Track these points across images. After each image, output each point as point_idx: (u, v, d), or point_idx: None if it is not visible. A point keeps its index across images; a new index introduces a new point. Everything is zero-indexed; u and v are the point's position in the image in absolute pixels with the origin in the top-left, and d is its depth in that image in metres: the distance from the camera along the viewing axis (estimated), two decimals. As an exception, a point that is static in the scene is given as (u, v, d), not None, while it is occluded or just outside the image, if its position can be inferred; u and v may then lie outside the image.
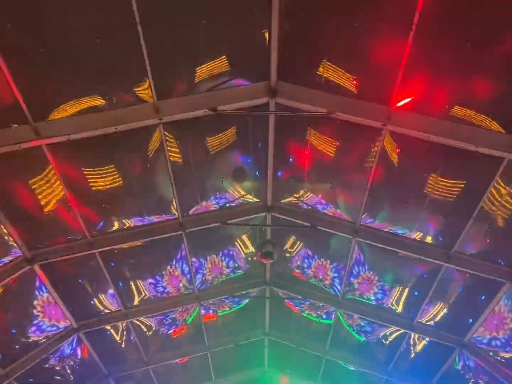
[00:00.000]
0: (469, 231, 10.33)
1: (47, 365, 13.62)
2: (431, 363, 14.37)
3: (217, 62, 8.91)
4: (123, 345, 15.00)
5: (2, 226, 10.09)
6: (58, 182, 9.86)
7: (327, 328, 15.29)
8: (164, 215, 11.60)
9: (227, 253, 13.38)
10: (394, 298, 13.09)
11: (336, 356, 16.21)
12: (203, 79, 9.15)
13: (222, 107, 9.45)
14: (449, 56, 8.08)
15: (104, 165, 10.05)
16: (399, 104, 8.81)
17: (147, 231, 11.66)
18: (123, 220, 11.40)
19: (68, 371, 14.42)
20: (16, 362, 12.55)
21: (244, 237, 13.12)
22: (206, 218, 11.96)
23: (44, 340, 12.86)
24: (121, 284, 12.88)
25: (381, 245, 11.58)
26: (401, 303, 13.13)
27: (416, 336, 13.86)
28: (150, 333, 14.97)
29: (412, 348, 14.43)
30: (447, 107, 8.65)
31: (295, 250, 13.42)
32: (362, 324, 14.57)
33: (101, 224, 11.33)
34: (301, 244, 13.19)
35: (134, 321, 14.19)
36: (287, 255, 13.61)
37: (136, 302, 13.60)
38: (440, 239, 11.11)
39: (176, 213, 11.54)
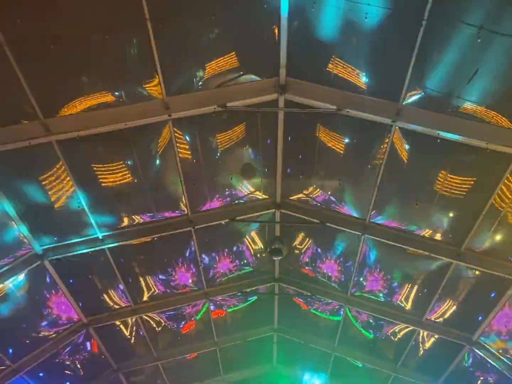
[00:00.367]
0: (479, 228, 10.28)
1: (57, 360, 13.74)
2: (440, 361, 14.32)
3: (227, 59, 8.91)
4: (132, 341, 15.07)
5: (13, 222, 10.17)
6: (68, 178, 9.91)
7: (335, 324, 15.28)
8: (173, 211, 11.63)
9: (236, 249, 13.40)
10: (403, 295, 13.05)
11: (344, 352, 16.20)
12: (213, 75, 9.16)
13: (231, 104, 9.45)
14: (459, 50, 8.03)
15: (113, 161, 10.10)
16: (409, 100, 8.78)
17: (156, 227, 11.70)
18: (133, 216, 11.44)
19: (78, 365, 14.54)
20: (26, 357, 12.70)
21: (253, 233, 13.12)
22: (215, 215, 11.98)
23: (54, 335, 12.98)
24: (130, 280, 12.93)
25: (390, 242, 11.54)
26: (410, 300, 13.09)
27: (425, 333, 13.81)
28: (159, 328, 15.03)
29: (420, 345, 14.38)
30: (457, 103, 8.60)
31: (304, 247, 13.41)
32: (371, 321, 14.54)
33: (111, 220, 11.38)
34: (310, 241, 13.17)
35: (144, 316, 14.26)
36: (296, 252, 13.60)
37: (145, 298, 13.66)
38: (450, 236, 11.06)
39: (186, 210, 11.56)
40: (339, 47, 8.77)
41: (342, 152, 10.38)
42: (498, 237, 10.55)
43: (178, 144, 10.06)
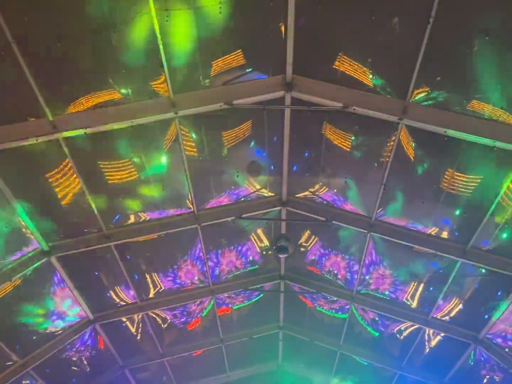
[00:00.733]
0: (485, 227, 10.24)
1: (64, 356, 13.80)
2: (445, 359, 14.30)
3: (233, 56, 8.92)
4: (138, 337, 15.12)
5: (20, 219, 10.22)
6: (75, 175, 9.95)
7: (341, 322, 15.28)
8: (179, 209, 11.66)
9: (242, 247, 13.41)
10: (409, 293, 13.03)
11: (350, 350, 16.19)
12: (219, 73, 9.16)
13: (237, 101, 9.45)
14: (467, 49, 8.00)
15: (120, 158, 10.13)
16: (416, 98, 8.75)
17: (162, 225, 11.74)
18: (139, 213, 11.48)
19: (84, 362, 14.60)
20: (33, 353, 12.76)
21: (259, 231, 13.12)
22: (221, 212, 11.99)
23: (60, 331, 13.03)
24: (136, 277, 12.98)
25: (396, 240, 11.53)
26: (416, 298, 13.07)
27: (431, 331, 13.80)
28: (165, 325, 15.07)
29: (426, 344, 14.36)
30: (464, 101, 8.57)
31: (310, 245, 13.41)
32: (377, 318, 14.53)
33: (117, 217, 11.42)
34: (316, 238, 13.17)
35: (150, 313, 14.30)
36: (302, 249, 13.60)
37: (151, 294, 13.70)
38: (456, 234, 11.04)
39: (192, 207, 11.59)
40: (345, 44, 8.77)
41: (348, 150, 10.37)
42: (504, 236, 10.51)
43: (184, 142, 10.08)
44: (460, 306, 12.58)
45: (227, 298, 14.95)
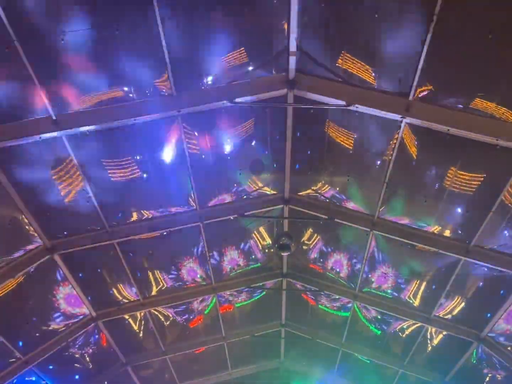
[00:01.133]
0: (488, 225, 10.23)
1: (67, 353, 13.85)
2: (448, 357, 14.31)
3: (236, 54, 8.91)
4: (141, 335, 15.17)
5: (23, 216, 10.26)
6: (78, 173, 9.97)
7: (343, 320, 15.29)
8: (182, 206, 11.67)
9: (244, 245, 13.43)
10: (412, 291, 13.03)
11: (352, 348, 16.22)
12: (222, 70, 9.16)
13: (240, 99, 9.45)
14: (471, 47, 7.98)
15: (123, 156, 10.14)
16: (418, 96, 8.74)
17: (165, 222, 11.76)
18: (142, 211, 11.50)
19: (87, 359, 14.65)
20: (36, 350, 12.80)
21: (261, 229, 13.14)
22: (224, 210, 12.01)
23: (63, 328, 13.08)
24: (139, 274, 13.01)
25: (399, 238, 11.53)
26: (418, 297, 13.07)
27: (433, 329, 13.79)
28: (167, 323, 15.12)
29: (429, 342, 14.36)
30: (467, 99, 8.56)
31: (312, 243, 13.41)
32: (379, 317, 14.53)
33: (119, 214, 11.44)
34: (318, 236, 13.17)
35: (152, 310, 14.34)
36: (304, 247, 13.61)
37: (154, 292, 13.74)
38: (459, 232, 11.02)
39: (194, 205, 11.60)
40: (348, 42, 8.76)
41: (351, 148, 10.35)
42: (507, 234, 10.50)
43: (187, 139, 10.09)
44: (463, 304, 12.57)
45: (229, 296, 14.97)
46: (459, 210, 10.51)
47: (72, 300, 12.76)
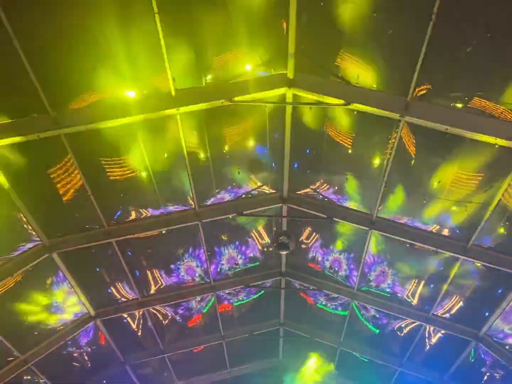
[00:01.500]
0: (486, 224, 10.25)
1: (65, 352, 13.87)
2: (446, 356, 14.34)
3: (235, 53, 8.91)
4: (139, 333, 15.16)
5: (22, 215, 10.25)
6: (77, 171, 9.96)
7: (342, 319, 15.31)
8: (180, 205, 11.67)
9: (243, 243, 13.42)
10: (410, 290, 13.05)
11: (350, 347, 16.23)
12: (221, 69, 9.15)
13: (239, 98, 9.45)
14: (469, 46, 7.99)
15: (121, 155, 10.14)
16: (417, 95, 8.74)
17: (163, 221, 11.75)
18: (140, 210, 11.49)
19: (85, 357, 14.65)
20: (34, 349, 12.81)
21: (260, 228, 13.14)
22: (222, 209, 12.01)
23: (62, 327, 13.07)
24: (138, 273, 13.01)
25: (397, 237, 11.54)
26: (416, 296, 13.09)
27: (432, 328, 13.82)
28: (166, 321, 15.11)
29: (427, 341, 14.39)
30: (466, 98, 8.57)
31: (310, 242, 13.42)
32: (377, 315, 14.55)
33: (118, 213, 11.44)
34: (317, 235, 13.18)
35: (151, 309, 14.34)
36: (303, 246, 13.62)
37: (152, 291, 13.73)
38: (457, 231, 11.04)
39: (193, 203, 11.60)
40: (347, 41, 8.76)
41: (349, 146, 10.36)
42: (505, 233, 10.52)
43: (186, 138, 10.08)
44: (461, 303, 12.60)
45: (227, 295, 14.97)
46: (457, 209, 10.51)
47: (70, 299, 12.74)
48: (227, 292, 14.79)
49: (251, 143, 10.87)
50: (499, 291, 11.46)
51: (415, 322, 13.83)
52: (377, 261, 12.81)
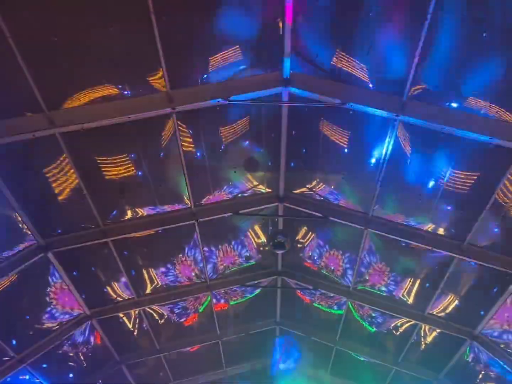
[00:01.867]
0: (481, 223, 10.27)
1: (60, 352, 13.80)
2: (441, 355, 14.37)
3: (231, 52, 8.90)
4: (135, 333, 15.15)
5: (17, 214, 10.21)
6: (72, 170, 9.94)
7: (337, 318, 15.33)
8: (176, 205, 11.66)
9: (239, 243, 13.43)
10: (405, 289, 13.08)
11: (346, 346, 16.25)
12: (217, 68, 9.15)
13: (235, 97, 9.44)
14: (464, 46, 8.01)
15: (117, 154, 10.12)
16: (413, 94, 8.76)
17: (159, 220, 11.74)
18: (136, 209, 11.48)
19: (81, 357, 14.61)
20: (29, 348, 12.75)
21: (256, 227, 13.14)
22: (218, 208, 12.00)
23: (57, 326, 13.03)
24: (133, 273, 12.98)
25: (393, 236, 11.56)
26: (412, 295, 13.12)
27: (427, 327, 13.86)
28: (162, 321, 15.10)
29: (422, 340, 14.43)
30: (461, 97, 8.59)
31: (307, 241, 13.43)
32: (373, 314, 14.58)
33: (114, 213, 11.42)
34: (313, 234, 13.19)
35: (147, 309, 14.33)
36: (299, 245, 13.63)
37: (148, 290, 13.71)
38: (453, 230, 11.07)
39: (189, 203, 11.59)
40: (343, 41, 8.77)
41: (345, 146, 10.37)
42: (501, 232, 10.55)
43: (181, 137, 10.07)
44: (456, 302, 12.63)
45: (224, 294, 14.97)
46: (453, 208, 10.54)
47: (66, 298, 12.71)
48: (223, 291, 14.79)
49: (247, 142, 10.87)
50: (494, 290, 11.49)
51: (411, 321, 13.85)
52: (372, 260, 12.83)
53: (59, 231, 11.20)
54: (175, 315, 15.09)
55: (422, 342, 14.53)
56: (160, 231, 11.96)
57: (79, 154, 9.76)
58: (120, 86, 8.98)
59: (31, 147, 9.19)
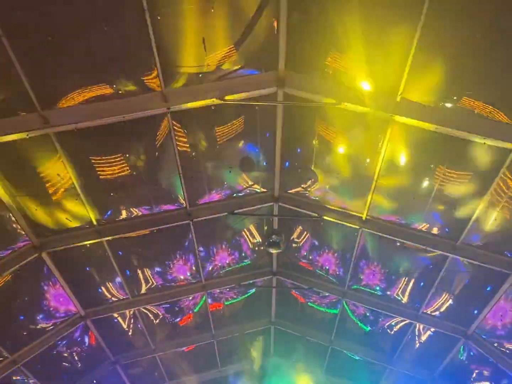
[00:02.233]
0: (475, 222, 10.32)
1: (55, 352, 13.79)
2: (435, 354, 14.44)
3: (226, 52, 8.90)
4: (130, 333, 15.12)
5: (11, 214, 10.17)
6: (66, 170, 9.90)
7: (332, 317, 15.35)
8: (171, 204, 11.65)
9: (234, 242, 13.42)
10: (400, 288, 13.12)
11: (341, 345, 16.28)
12: (212, 68, 9.15)
13: (230, 97, 9.44)
14: (458, 46, 8.04)
15: (112, 154, 10.10)
16: (407, 94, 8.78)
17: (154, 220, 11.72)
18: (131, 209, 11.45)
19: (76, 357, 14.59)
20: (24, 349, 12.71)
21: (251, 227, 13.15)
22: (214, 208, 11.99)
23: (51, 327, 13.00)
24: (128, 273, 12.96)
25: (388, 236, 11.59)
26: (406, 294, 13.16)
27: (421, 326, 13.92)
28: (157, 321, 15.08)
29: (417, 339, 14.48)
30: (455, 98, 8.62)
31: (301, 241, 13.45)
32: (368, 314, 14.62)
33: (109, 212, 11.39)
34: (308, 234, 13.21)
35: (141, 309, 14.30)
36: (294, 245, 13.64)
37: (143, 290, 13.69)
38: (447, 230, 11.11)
39: (184, 203, 11.58)
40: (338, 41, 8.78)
41: (340, 145, 10.39)
42: (494, 231, 10.60)
43: (176, 137, 10.06)
44: (450, 301, 12.69)
45: (219, 294, 14.97)
46: (447, 207, 10.58)
47: (60, 299, 12.68)
48: (218, 291, 14.78)
49: (242, 142, 10.87)
50: (488, 288, 11.55)
51: (405, 320, 13.91)
52: (367, 259, 12.87)
53: (53, 231, 11.13)
54: (170, 315, 15.07)
55: (417, 341, 14.59)
56: (155, 231, 11.93)
57: (73, 153, 9.72)
58: (114, 86, 8.96)
59: (26, 146, 9.15)
